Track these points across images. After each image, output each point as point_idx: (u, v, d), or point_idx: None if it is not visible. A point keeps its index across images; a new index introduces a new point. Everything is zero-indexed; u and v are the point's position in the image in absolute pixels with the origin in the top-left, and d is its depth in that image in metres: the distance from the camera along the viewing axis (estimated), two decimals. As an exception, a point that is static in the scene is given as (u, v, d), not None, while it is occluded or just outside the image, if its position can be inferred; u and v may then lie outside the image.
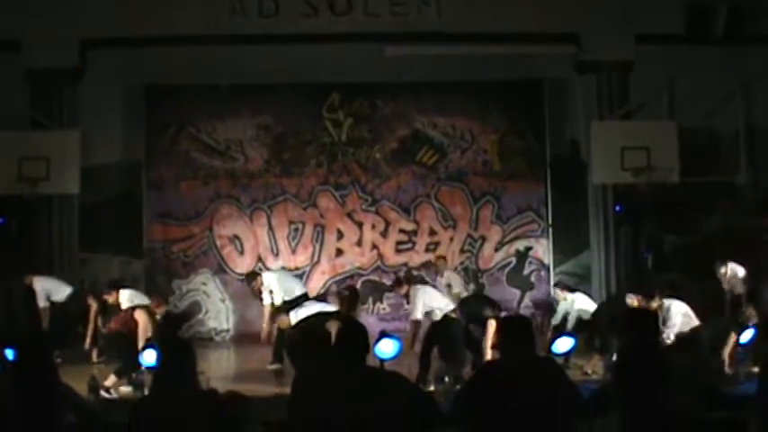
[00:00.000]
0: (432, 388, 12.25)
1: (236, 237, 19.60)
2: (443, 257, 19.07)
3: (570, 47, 18.73)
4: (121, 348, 13.00)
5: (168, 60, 18.53)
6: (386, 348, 8.27)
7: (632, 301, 14.05)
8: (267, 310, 15.44)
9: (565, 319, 15.14)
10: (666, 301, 13.76)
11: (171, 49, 18.49)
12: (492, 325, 12.92)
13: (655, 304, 13.61)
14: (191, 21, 18.11)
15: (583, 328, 14.60)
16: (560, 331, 13.99)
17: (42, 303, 16.07)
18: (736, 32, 18.19)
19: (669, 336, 13.15)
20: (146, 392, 10.59)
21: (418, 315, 13.51)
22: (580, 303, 15.22)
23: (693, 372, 8.17)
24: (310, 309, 14.06)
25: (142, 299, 14.18)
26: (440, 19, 18.36)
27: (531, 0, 18.44)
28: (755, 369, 11.66)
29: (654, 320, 7.52)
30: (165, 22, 18.07)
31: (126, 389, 12.45)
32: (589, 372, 13.50)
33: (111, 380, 12.32)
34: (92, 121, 18.44)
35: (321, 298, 17.68)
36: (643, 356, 6.92)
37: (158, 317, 13.81)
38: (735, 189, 18.40)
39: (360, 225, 19.82)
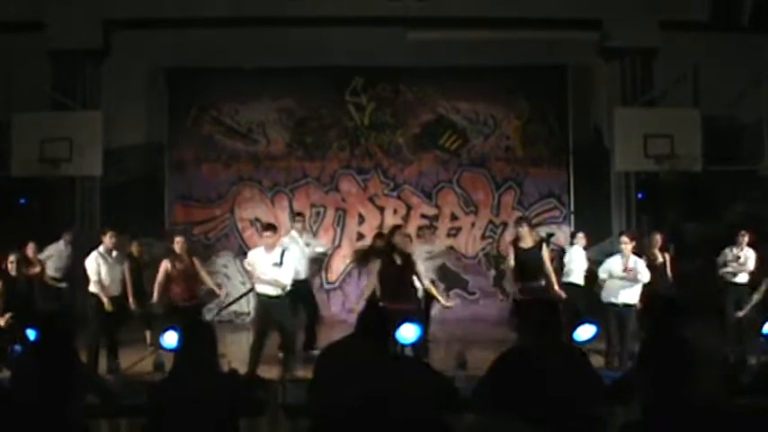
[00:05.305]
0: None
1: (258, 219, 19.53)
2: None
3: (594, 33, 18.74)
4: None
5: (191, 42, 18.55)
6: (407, 334, 8.25)
7: None
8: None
9: None
10: None
11: (194, 32, 18.56)
12: None
13: None
14: (214, 3, 18.18)
15: None
16: None
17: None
18: (761, 20, 18.12)
19: None
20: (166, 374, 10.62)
21: None
22: None
23: (717, 359, 8.10)
24: None
25: None
26: (462, 3, 18.33)
27: (555, -15, 18.42)
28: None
29: (678, 308, 7.47)
30: (188, 4, 18.15)
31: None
32: None
33: None
34: (114, 102, 18.56)
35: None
36: (667, 344, 6.87)
37: None
38: (758, 177, 18.28)
39: (381, 209, 19.79)
